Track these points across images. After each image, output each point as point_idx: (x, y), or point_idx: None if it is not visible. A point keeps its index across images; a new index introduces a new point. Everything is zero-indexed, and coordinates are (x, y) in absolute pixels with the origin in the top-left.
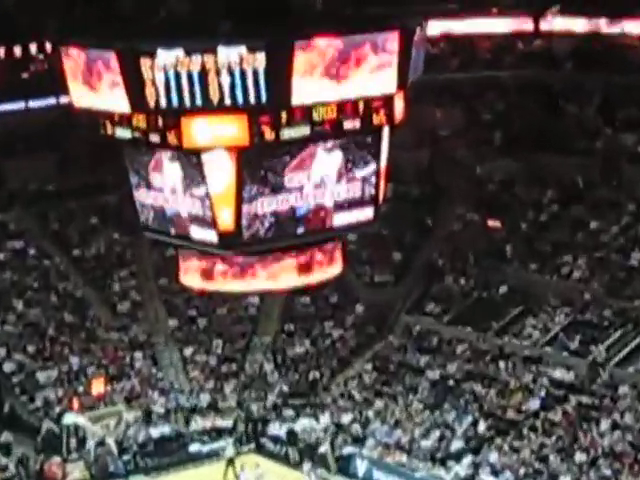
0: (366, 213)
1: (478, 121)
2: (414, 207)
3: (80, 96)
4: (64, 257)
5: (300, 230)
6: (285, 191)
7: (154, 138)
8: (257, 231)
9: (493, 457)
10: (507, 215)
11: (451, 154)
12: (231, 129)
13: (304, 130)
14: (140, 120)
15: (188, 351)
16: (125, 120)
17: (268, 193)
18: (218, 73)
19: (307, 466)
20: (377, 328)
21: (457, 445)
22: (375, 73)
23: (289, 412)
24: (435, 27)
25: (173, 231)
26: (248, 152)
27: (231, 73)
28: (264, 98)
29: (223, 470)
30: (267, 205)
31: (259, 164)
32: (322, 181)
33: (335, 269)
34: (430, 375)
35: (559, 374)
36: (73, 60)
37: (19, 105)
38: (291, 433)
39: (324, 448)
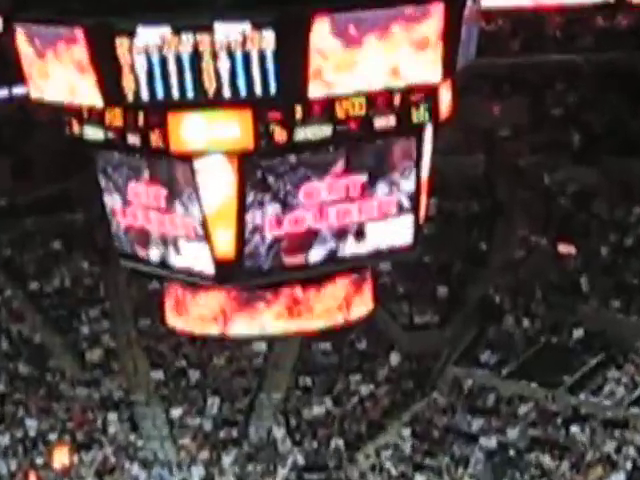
0: (403, 236)
1: (547, 118)
2: (465, 228)
3: (39, 86)
4: (18, 291)
5: (317, 259)
6: (300, 208)
7: (133, 140)
8: (264, 259)
9: None
10: (583, 238)
11: (512, 160)
12: (231, 129)
13: (324, 130)
14: (115, 117)
15: (176, 412)
16: (96, 117)
17: (278, 211)
18: (215, 56)
19: None
20: (417, 383)
21: None
22: (414, 57)
23: None
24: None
25: (157, 258)
26: (253, 158)
27: (231, 56)
28: (273, 89)
29: None
30: (277, 226)
31: (267, 173)
32: (347, 195)
33: (363, 307)
34: (485, 443)
35: None
36: (29, 40)
37: None
38: None
39: None
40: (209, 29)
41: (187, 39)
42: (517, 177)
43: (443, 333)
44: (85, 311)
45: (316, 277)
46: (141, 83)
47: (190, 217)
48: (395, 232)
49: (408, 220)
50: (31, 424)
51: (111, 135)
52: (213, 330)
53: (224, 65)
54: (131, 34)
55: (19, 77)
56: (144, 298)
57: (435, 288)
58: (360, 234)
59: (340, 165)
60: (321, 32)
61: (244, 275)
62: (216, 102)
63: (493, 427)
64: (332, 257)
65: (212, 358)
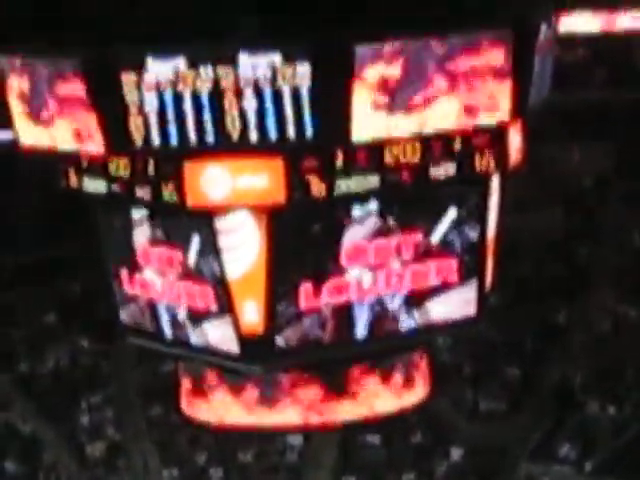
0: (466, 307)
1: (636, 165)
2: (539, 298)
3: (28, 131)
4: (5, 375)
5: (362, 334)
6: (341, 275)
7: (142, 193)
8: (298, 335)
9: None
10: None
11: (597, 215)
12: (259, 179)
13: (371, 180)
14: (120, 166)
15: None
16: (98, 166)
17: (315, 277)
18: (239, 94)
19: None
20: None
21: None
22: (477, 93)
23: None
24: (570, 23)
25: (170, 335)
26: (285, 215)
27: (259, 94)
28: (309, 132)
29: None
30: (314, 296)
31: (302, 233)
32: (399, 259)
33: (418, 392)
34: None
35: None
36: (17, 78)
37: None
38: None
39: None
40: (232, 61)
41: (206, 73)
42: (602, 235)
43: (514, 423)
44: (85, 397)
45: (362, 356)
46: (151, 126)
47: (210, 285)
48: (456, 302)
49: (471, 288)
50: None
51: (115, 188)
52: (239, 420)
53: (250, 104)
54: (139, 67)
55: (4, 120)
56: (155, 381)
57: (504, 369)
58: (415, 304)
59: (390, 223)
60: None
61: (275, 354)
62: (241, 148)
63: None
64: (381, 332)
65: (237, 453)
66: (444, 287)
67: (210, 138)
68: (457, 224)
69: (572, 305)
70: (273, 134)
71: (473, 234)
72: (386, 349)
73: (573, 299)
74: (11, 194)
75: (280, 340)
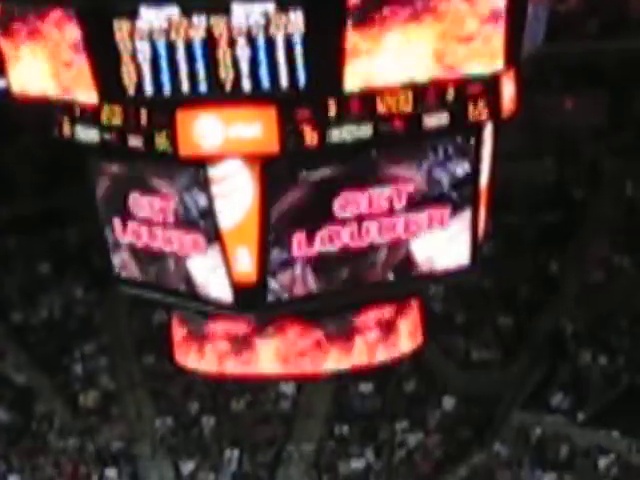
0: (459, 255)
1: (630, 116)
2: (532, 247)
3: (22, 78)
4: (0, 325)
5: (355, 282)
6: (334, 222)
7: (135, 142)
8: (291, 284)
9: None
10: None
11: (590, 166)
12: (252, 129)
13: (364, 130)
14: (113, 115)
15: (187, 466)
16: (91, 115)
17: (308, 226)
18: (232, 43)
19: None
20: (476, 431)
21: None
22: (469, 42)
23: None
24: None
25: (163, 284)
26: (278, 163)
27: (252, 43)
28: (302, 81)
29: None
30: (306, 244)
31: (295, 181)
32: (391, 207)
33: (411, 342)
34: None
35: None
36: (11, 25)
37: None
38: None
39: None
40: (225, 10)
41: (199, 22)
42: (595, 186)
43: (506, 372)
44: (78, 347)
45: (354, 305)
46: (144, 75)
47: (203, 234)
48: (449, 251)
49: (464, 237)
50: None
51: (108, 137)
52: (232, 368)
53: (243, 53)
54: (132, 16)
55: None
56: (148, 330)
57: (497, 319)
58: (407, 253)
59: (383, 172)
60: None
61: (268, 302)
62: (234, 97)
63: None
64: (373, 281)
65: (230, 402)
66: (438, 237)
67: (203, 87)
68: (449, 173)
69: (565, 255)
70: (266, 83)
71: (466, 183)
72: (378, 297)
73: (566, 249)
74: (7, 144)
75: (273, 288)
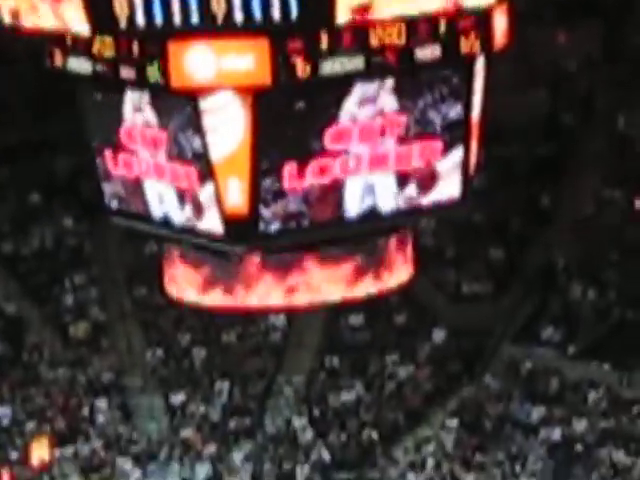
0: (449, 189)
1: (624, 48)
2: (524, 180)
3: (12, 9)
4: None
5: (348, 216)
6: (325, 155)
7: (127, 73)
8: (282, 217)
9: None
10: None
11: (582, 99)
12: (244, 60)
13: (356, 62)
14: (105, 46)
15: (177, 398)
16: (82, 46)
17: (299, 158)
18: None
19: None
20: (466, 364)
21: None
22: None
23: None
24: None
25: (155, 215)
26: (270, 96)
27: None
28: (294, 12)
29: None
30: (297, 176)
31: (286, 114)
32: (382, 141)
33: (402, 274)
34: (547, 436)
35: None
36: None
37: None
38: None
39: None
40: None
41: None
42: (587, 119)
43: (497, 305)
44: (69, 277)
45: (344, 239)
46: (136, 6)
47: (195, 166)
48: (440, 184)
49: (455, 170)
50: (4, 412)
51: (100, 68)
52: (222, 300)
53: None
54: None
55: None
56: (139, 262)
57: (488, 252)
58: (398, 186)
59: (375, 104)
60: None
61: (259, 235)
62: (226, 29)
63: (556, 417)
64: (364, 214)
65: (221, 334)
66: (429, 169)
67: (195, 19)
68: (441, 105)
69: (557, 188)
70: (258, 15)
71: (457, 116)
72: (370, 231)
73: (558, 182)
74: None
75: (264, 221)
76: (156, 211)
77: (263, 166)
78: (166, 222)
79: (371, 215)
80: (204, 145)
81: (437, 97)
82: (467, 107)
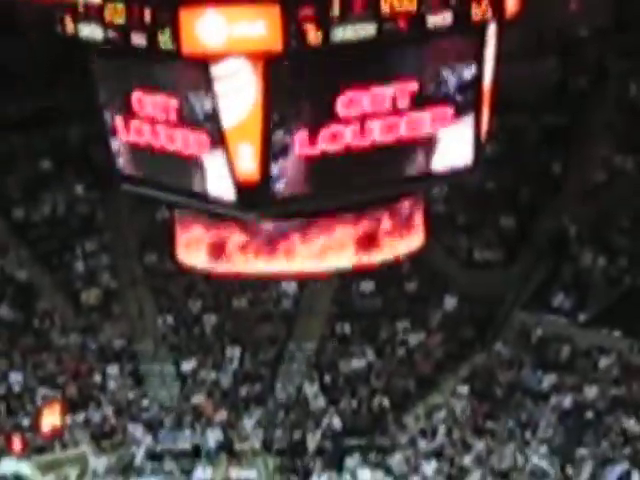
0: (461, 156)
1: (635, 15)
2: (535, 148)
3: None
4: (1, 221)
5: (359, 182)
6: (337, 122)
7: (138, 40)
8: (294, 183)
9: None
10: None
11: (592, 67)
12: (256, 27)
13: (368, 28)
14: (117, 12)
15: (188, 365)
16: (93, 12)
17: (311, 125)
18: None
19: None
20: (477, 331)
21: None
22: None
23: (343, 459)
24: None
25: (167, 182)
26: (281, 62)
27: None
28: None
29: None
30: (309, 143)
31: (298, 81)
32: (394, 106)
33: (413, 242)
34: (557, 403)
35: None
36: None
37: None
38: None
39: None
40: None
41: None
42: (598, 88)
43: (508, 272)
44: (80, 244)
45: (356, 206)
46: None
47: (206, 132)
48: (452, 151)
49: (467, 137)
50: (15, 379)
51: (111, 34)
52: (233, 267)
53: None
54: None
55: None
56: (151, 229)
57: (499, 219)
58: (409, 153)
59: (386, 71)
60: None
61: (271, 202)
62: None
63: (567, 384)
64: (376, 181)
65: (232, 300)
66: (440, 137)
67: None
68: (453, 72)
69: (568, 155)
70: None
71: (469, 82)
72: (382, 197)
73: (569, 149)
74: (10, 42)
75: (276, 188)
76: (167, 178)
77: (274, 132)
78: (177, 189)
79: (380, 182)
80: (215, 111)
81: (448, 64)
82: (478, 74)
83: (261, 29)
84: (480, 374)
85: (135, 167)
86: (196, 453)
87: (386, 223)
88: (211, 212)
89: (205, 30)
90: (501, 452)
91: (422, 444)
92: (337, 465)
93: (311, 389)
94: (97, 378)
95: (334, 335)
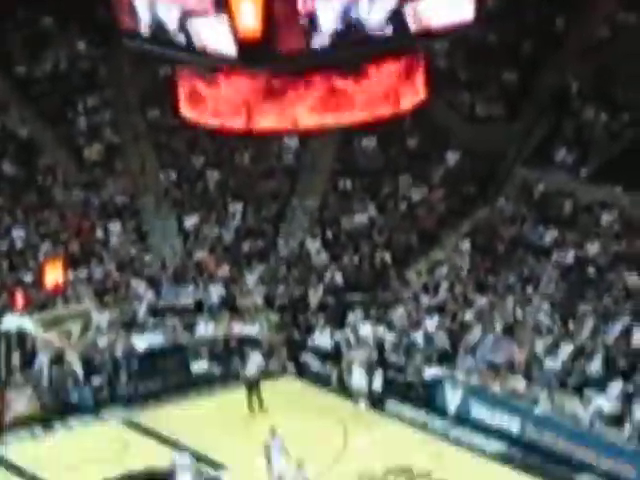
0: (463, 9)
1: None
2: (537, 1)
3: None
4: (3, 78)
5: (362, 35)
6: None
7: None
8: (297, 37)
9: None
10: None
11: None
12: None
13: None
14: None
15: (191, 221)
16: None
17: None
18: None
19: (364, 401)
20: (479, 187)
21: (598, 366)
22: None
23: (345, 314)
24: None
25: (168, 38)
26: None
27: None
28: None
29: (246, 399)
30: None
31: None
32: None
33: (415, 96)
34: (559, 259)
35: None
36: None
37: None
38: (346, 346)
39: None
40: None
41: None
42: None
43: (510, 127)
44: (82, 100)
45: (357, 61)
46: None
47: None
48: (453, 4)
49: None
50: (18, 235)
51: None
52: (236, 123)
53: None
54: None
55: None
56: (153, 84)
57: (501, 74)
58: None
59: None
60: None
61: (272, 57)
62: None
63: (569, 240)
64: (375, 38)
65: (234, 156)
66: None
67: None
68: None
69: (570, 10)
70: None
71: None
72: (382, 54)
73: (572, 3)
74: None
75: (279, 42)
76: (169, 33)
77: None
78: (179, 44)
79: (387, 35)
80: None
81: None
82: None
83: None
84: (482, 229)
85: (136, 22)
86: (198, 309)
87: (388, 79)
88: (213, 68)
89: None
90: (502, 309)
91: (424, 299)
92: (339, 320)
93: (313, 245)
94: (99, 234)
95: (336, 191)
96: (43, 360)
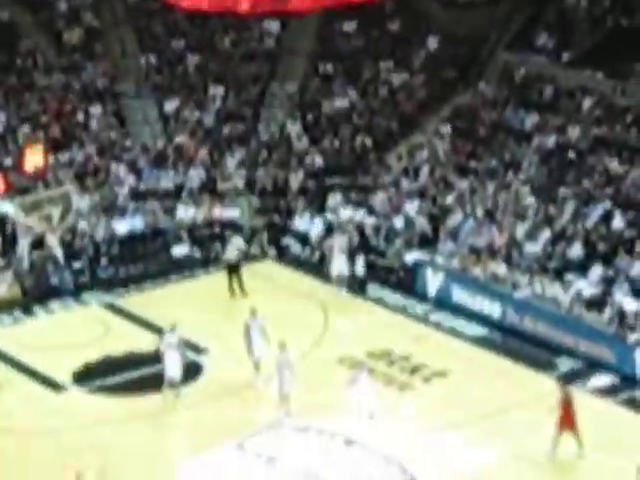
0: None
1: None
2: None
3: None
4: None
5: None
6: None
7: None
8: None
9: (636, 268)
10: None
11: None
12: None
13: None
14: None
15: (171, 104)
16: None
17: None
18: None
19: (344, 286)
20: (460, 71)
21: (579, 250)
22: None
23: (325, 198)
24: None
25: None
26: None
27: None
28: None
29: (227, 282)
30: None
31: None
32: None
33: None
34: (540, 143)
35: None
36: None
37: None
38: (326, 230)
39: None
40: None
41: None
42: None
43: (492, 11)
44: None
45: None
46: None
47: None
48: None
49: None
50: None
51: None
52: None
53: None
54: None
55: None
56: None
57: None
58: None
59: None
60: None
61: None
62: None
63: (550, 124)
64: None
65: (215, 39)
66: None
67: None
68: None
69: None
70: None
71: None
72: None
73: None
74: None
75: None
76: None
77: None
78: None
79: None
80: None
81: None
82: None
83: None
84: (463, 114)
85: None
86: (178, 193)
87: None
88: None
89: None
90: (482, 193)
91: (404, 183)
92: (319, 204)
93: (294, 128)
94: (80, 117)
95: (317, 75)
96: (24, 244)
